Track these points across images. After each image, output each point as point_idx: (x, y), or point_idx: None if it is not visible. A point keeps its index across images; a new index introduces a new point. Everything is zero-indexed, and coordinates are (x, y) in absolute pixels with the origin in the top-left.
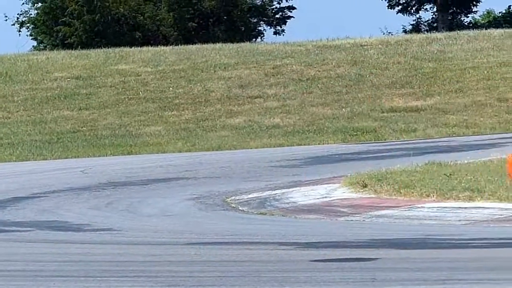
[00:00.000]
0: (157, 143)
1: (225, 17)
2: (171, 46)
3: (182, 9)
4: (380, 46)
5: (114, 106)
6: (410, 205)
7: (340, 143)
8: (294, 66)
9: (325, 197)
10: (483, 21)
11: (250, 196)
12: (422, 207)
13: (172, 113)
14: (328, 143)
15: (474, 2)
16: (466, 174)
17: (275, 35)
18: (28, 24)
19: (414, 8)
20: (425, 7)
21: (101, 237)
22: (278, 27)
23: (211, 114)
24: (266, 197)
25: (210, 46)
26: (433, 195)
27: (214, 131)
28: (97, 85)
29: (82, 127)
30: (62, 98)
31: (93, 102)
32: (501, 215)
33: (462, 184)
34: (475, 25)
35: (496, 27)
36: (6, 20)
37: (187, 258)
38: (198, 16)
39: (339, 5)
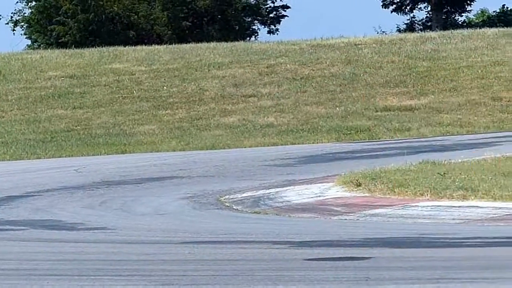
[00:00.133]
0: (151, 142)
1: (219, 16)
2: (165, 45)
3: (176, 8)
4: (374, 45)
5: (108, 105)
6: (404, 204)
7: (334, 142)
8: (288, 65)
9: (319, 196)
10: (477, 20)
11: (244, 195)
12: (416, 206)
13: (166, 112)
14: (322, 142)
15: (468, 1)
16: (460, 173)
17: (269, 34)
18: (22, 23)
19: (408, 7)
20: (419, 6)
21: (95, 236)
22: (272, 26)
23: (205, 113)
24: (260, 196)
25: (204, 45)
26: (427, 194)
27: (208, 130)
28: (91, 84)
29: (76, 126)
30: (56, 97)
31: (87, 101)
32: (495, 214)
33: (456, 183)
34: (469, 24)
35: (490, 26)
36: (0, 19)
37: (181, 257)
38: (192, 15)
39: (333, 4)
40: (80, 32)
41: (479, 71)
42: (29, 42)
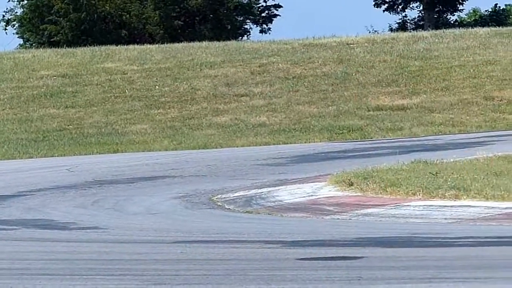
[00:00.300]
0: (143, 141)
1: (211, 16)
2: (157, 45)
3: (168, 7)
4: (366, 44)
5: (100, 104)
6: (396, 204)
7: (326, 142)
8: (280, 64)
9: (311, 195)
10: (469, 20)
11: (236, 194)
12: (408, 205)
13: (158, 111)
14: (314, 142)
15: (460, 1)
16: (452, 173)
17: (261, 34)
18: (14, 22)
19: (400, 7)
20: (411, 6)
21: (87, 236)
22: (264, 26)
23: (197, 112)
24: (252, 196)
25: (196, 44)
26: (419, 194)
27: (200, 129)
28: (83, 83)
29: (68, 125)
30: (48, 96)
31: (79, 100)
32: (487, 213)
33: (448, 183)
34: (461, 24)
35: (482, 25)
36: None
37: (173, 256)
38: (184, 15)
39: (325, 3)
40: (72, 31)
41: (471, 70)
42: (21, 41)
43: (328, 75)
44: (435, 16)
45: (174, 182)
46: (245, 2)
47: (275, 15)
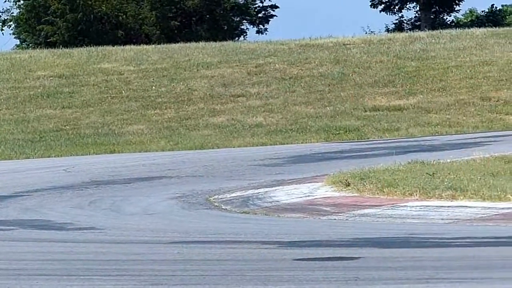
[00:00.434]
0: (140, 141)
1: (207, 16)
2: (153, 45)
3: (165, 8)
4: (363, 45)
5: (97, 105)
6: (393, 204)
7: (323, 142)
8: (277, 65)
9: (308, 196)
10: (465, 20)
11: (233, 195)
12: (405, 206)
13: (155, 112)
14: (311, 142)
15: (457, 1)
16: (449, 173)
17: (257, 34)
18: (11, 23)
19: (396, 7)
20: (408, 6)
21: (84, 236)
22: (261, 26)
23: (194, 113)
24: (249, 196)
25: (192, 45)
26: (416, 194)
27: (197, 130)
28: (80, 84)
29: (65, 125)
30: (44, 97)
31: (76, 101)
32: (484, 214)
33: (445, 183)
34: (457, 24)
35: (479, 26)
36: None
37: (170, 257)
38: (181, 15)
39: (322, 4)
40: (68, 32)
41: (468, 71)
42: (17, 41)
43: (325, 76)
44: (432, 16)
45: (171, 183)
46: (241, 2)
47: (272, 16)
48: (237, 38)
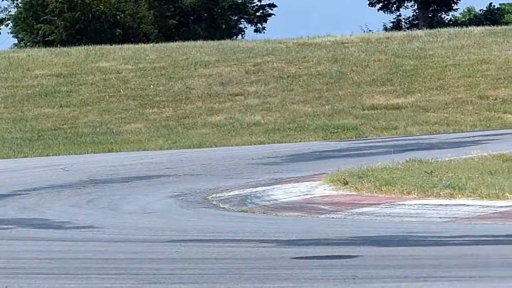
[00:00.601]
0: (138, 140)
1: (205, 15)
2: (151, 44)
3: (163, 7)
4: (361, 43)
5: (95, 104)
6: (391, 203)
7: (321, 141)
8: (274, 63)
9: (306, 194)
10: (463, 19)
11: (231, 193)
12: (403, 204)
13: (153, 110)
14: (309, 141)
15: (455, 0)
16: (447, 172)
17: (255, 33)
18: (9, 22)
19: (394, 6)
20: (405, 5)
21: (82, 235)
22: (259, 25)
23: (192, 111)
24: (247, 195)
25: (190, 43)
26: (414, 193)
27: (195, 128)
28: (78, 83)
29: (62, 124)
30: (42, 96)
31: (74, 99)
32: (482, 212)
33: (443, 182)
34: (455, 23)
35: (477, 24)
36: None
37: (168, 255)
38: (179, 14)
39: (320, 3)
40: (66, 31)
41: (466, 69)
42: (15, 40)
43: (323, 74)
44: (430, 15)
45: (169, 181)
46: (239, 1)
47: (270, 15)
48: (235, 37)
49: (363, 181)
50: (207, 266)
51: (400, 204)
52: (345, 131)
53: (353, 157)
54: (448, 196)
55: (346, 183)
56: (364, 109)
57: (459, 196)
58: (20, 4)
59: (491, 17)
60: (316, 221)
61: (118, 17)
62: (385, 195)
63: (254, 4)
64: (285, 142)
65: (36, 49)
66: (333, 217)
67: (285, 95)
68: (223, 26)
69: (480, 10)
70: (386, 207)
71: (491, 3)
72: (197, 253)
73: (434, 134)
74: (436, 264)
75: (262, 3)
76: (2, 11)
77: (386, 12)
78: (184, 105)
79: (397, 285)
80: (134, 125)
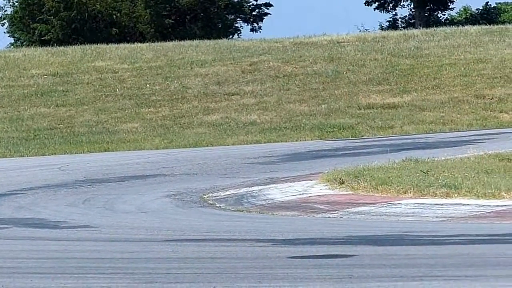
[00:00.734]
0: (134, 140)
1: (202, 14)
2: (147, 43)
3: (159, 6)
4: (357, 43)
5: (91, 103)
6: (387, 202)
7: (317, 140)
8: (271, 62)
9: (302, 194)
10: (459, 18)
11: (227, 193)
12: (399, 203)
13: (149, 110)
14: (305, 140)
15: None
16: (443, 171)
17: (252, 32)
18: (5, 21)
19: (391, 5)
20: (402, 4)
21: (78, 234)
22: (255, 24)
23: (188, 111)
24: (243, 194)
25: (187, 43)
26: (410, 192)
27: (191, 128)
28: (74, 82)
29: (59, 124)
30: (39, 95)
31: (70, 99)
32: (478, 211)
33: (439, 181)
34: (451, 22)
35: (473, 23)
36: None
37: (164, 255)
38: (175, 13)
39: (316, 2)
40: (62, 30)
41: (462, 68)
42: (12, 40)
43: (319, 74)
44: (426, 14)
45: (165, 181)
46: (235, 0)
47: (266, 14)
48: (231, 36)
49: (359, 181)
50: (203, 265)
51: (396, 204)
52: (341, 130)
53: (349, 156)
54: (444, 195)
55: (342, 183)
56: (360, 108)
57: (455, 195)
58: (16, 4)
59: (488, 16)
60: (312, 220)
61: (114, 16)
62: (381, 194)
63: (250, 4)
64: (281, 142)
65: (32, 48)
66: (329, 217)
67: (281, 94)
68: (219, 26)
69: (477, 9)
70: (382, 207)
71: (488, 2)
72: (193, 252)
73: (430, 133)
74: (432, 263)
75: (258, 2)
76: None
77: (382, 11)
78: (180, 105)
79: (393, 284)
80: (130, 125)
